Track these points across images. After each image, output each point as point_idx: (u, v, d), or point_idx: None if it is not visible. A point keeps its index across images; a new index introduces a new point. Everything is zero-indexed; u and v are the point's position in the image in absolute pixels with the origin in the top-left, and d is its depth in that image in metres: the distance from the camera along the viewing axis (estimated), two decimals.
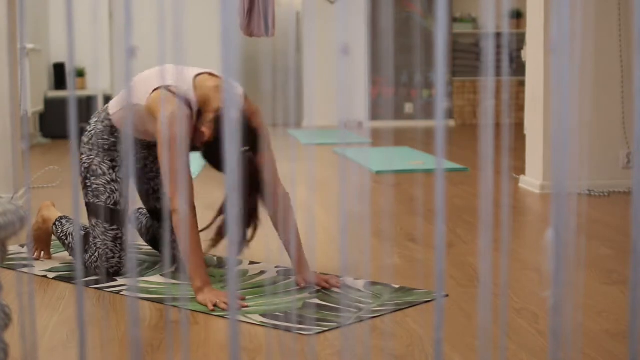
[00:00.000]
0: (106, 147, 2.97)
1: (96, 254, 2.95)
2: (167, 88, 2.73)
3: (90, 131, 3.01)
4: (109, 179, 2.94)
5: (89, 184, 2.96)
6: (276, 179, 2.82)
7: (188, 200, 2.70)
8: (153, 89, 2.79)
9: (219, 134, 2.64)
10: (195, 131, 2.74)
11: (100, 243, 2.94)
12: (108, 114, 2.97)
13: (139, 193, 3.16)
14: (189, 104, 2.72)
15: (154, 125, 2.79)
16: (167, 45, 1.35)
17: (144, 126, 2.87)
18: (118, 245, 2.95)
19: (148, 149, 3.09)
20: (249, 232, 2.72)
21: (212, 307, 2.54)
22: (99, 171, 2.95)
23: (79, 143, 3.05)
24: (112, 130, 2.97)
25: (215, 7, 9.90)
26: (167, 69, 2.88)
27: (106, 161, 2.96)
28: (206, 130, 2.70)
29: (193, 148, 2.77)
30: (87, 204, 2.97)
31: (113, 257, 2.94)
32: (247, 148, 2.61)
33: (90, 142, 2.99)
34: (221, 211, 2.71)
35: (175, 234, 2.76)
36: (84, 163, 2.97)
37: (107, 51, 8.96)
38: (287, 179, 3.92)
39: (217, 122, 2.67)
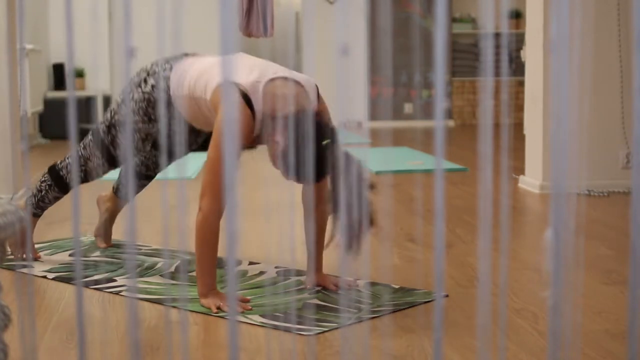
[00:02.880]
0: (150, 117, 2.91)
1: (67, 160, 3.13)
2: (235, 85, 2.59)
3: (145, 91, 2.88)
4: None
5: (111, 122, 2.99)
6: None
7: (220, 205, 2.58)
8: (217, 84, 2.67)
9: (293, 140, 2.51)
10: (250, 132, 2.62)
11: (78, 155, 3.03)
12: (169, 91, 2.83)
13: (154, 158, 3.16)
14: (251, 104, 2.59)
15: (214, 119, 2.70)
16: (166, 45, 1.36)
17: (204, 117, 2.78)
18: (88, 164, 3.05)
19: (195, 134, 3.05)
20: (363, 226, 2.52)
21: (216, 310, 2.52)
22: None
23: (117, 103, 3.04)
24: (169, 106, 2.85)
25: (214, 7, 9.90)
26: (238, 59, 2.72)
27: (140, 126, 2.93)
28: (280, 139, 2.55)
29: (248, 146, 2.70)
30: (94, 130, 3.03)
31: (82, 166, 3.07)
32: (329, 140, 2.50)
33: (138, 102, 2.89)
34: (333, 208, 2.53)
35: (196, 231, 2.61)
36: (133, 99, 2.90)
37: (106, 51, 8.96)
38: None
39: (289, 128, 2.53)
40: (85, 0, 8.62)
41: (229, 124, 1.28)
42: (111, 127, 3.00)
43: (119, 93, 3.00)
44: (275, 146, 2.56)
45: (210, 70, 2.72)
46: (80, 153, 3.08)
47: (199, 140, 3.08)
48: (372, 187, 2.50)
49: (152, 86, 2.87)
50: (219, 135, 2.55)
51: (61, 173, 3.15)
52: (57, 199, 3.20)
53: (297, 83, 2.66)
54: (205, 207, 2.55)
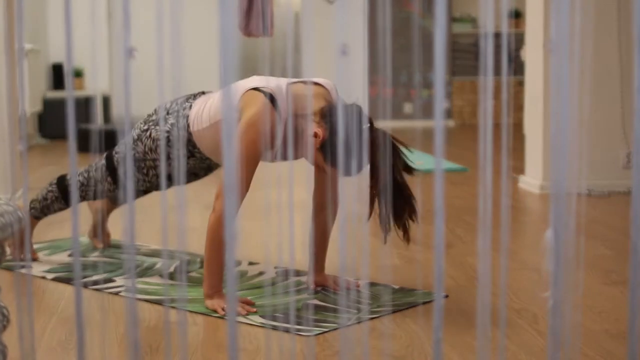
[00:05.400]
0: (169, 156, 2.88)
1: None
2: (257, 88, 2.62)
3: (164, 129, 2.83)
4: (144, 168, 2.89)
5: (134, 146, 2.90)
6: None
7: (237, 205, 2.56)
8: (242, 91, 2.65)
9: (332, 129, 2.53)
10: (274, 135, 2.63)
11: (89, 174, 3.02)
12: (188, 128, 2.80)
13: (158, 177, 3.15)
14: (275, 105, 2.59)
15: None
16: (165, 45, 1.36)
17: (219, 148, 2.75)
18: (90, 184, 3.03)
19: (208, 168, 3.03)
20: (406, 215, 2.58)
21: (222, 312, 2.51)
22: (148, 156, 2.88)
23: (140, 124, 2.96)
24: (189, 144, 2.82)
25: (213, 7, 9.89)
26: (252, 77, 2.73)
27: (158, 164, 2.88)
28: (319, 130, 2.55)
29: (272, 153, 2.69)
30: (108, 157, 3.00)
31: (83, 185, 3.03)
32: (369, 124, 2.53)
33: (156, 140, 2.86)
34: (373, 187, 2.55)
35: (207, 232, 2.60)
36: (150, 137, 2.87)
37: (105, 52, 8.95)
38: (286, 179, 3.93)
39: (326, 117, 2.56)
40: (84, 0, 8.62)
41: (227, 126, 1.28)
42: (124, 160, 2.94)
43: (136, 126, 2.94)
44: (314, 140, 2.56)
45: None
46: (90, 174, 3.02)
47: (209, 172, 3.07)
48: (409, 170, 2.55)
49: (172, 124, 2.83)
50: (240, 137, 2.54)
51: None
52: (61, 209, 3.19)
53: (317, 84, 2.70)
54: (219, 208, 2.53)
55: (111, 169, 2.98)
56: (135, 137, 2.91)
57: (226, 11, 1.27)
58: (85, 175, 3.03)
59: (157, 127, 2.85)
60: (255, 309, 2.55)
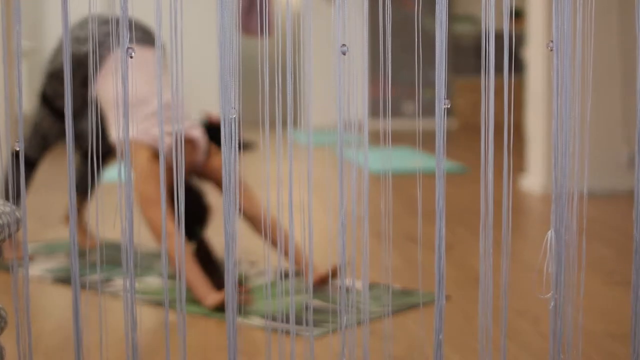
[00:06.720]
0: None
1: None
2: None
3: None
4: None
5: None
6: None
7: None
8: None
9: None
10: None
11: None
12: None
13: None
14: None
15: None
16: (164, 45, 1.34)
17: None
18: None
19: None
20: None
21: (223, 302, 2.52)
22: None
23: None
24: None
25: (212, 7, 9.89)
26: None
27: None
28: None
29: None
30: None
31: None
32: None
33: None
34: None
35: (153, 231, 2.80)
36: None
37: None
38: (285, 179, 3.91)
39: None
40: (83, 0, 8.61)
41: (226, 126, 1.26)
42: None
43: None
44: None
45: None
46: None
47: None
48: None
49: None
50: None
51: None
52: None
53: None
54: (143, 191, 2.74)
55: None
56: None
57: (225, 11, 1.25)
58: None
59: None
60: (250, 296, 2.57)
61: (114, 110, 2.82)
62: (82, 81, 2.95)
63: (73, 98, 2.81)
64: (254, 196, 2.90)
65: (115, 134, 2.83)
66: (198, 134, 2.89)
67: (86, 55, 2.91)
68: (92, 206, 3.46)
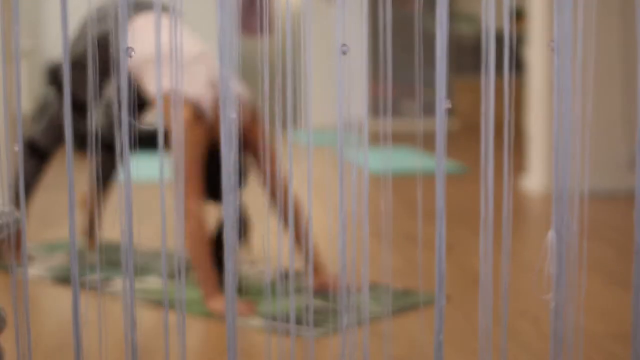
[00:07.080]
0: None
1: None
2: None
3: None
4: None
5: None
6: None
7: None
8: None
9: None
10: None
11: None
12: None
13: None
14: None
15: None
16: (164, 45, 1.35)
17: None
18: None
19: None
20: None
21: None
22: None
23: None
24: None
25: (212, 6, 9.89)
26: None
27: None
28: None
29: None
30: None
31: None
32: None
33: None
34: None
35: (189, 237, 2.60)
36: None
37: None
38: (285, 179, 3.91)
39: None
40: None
41: (226, 126, 1.26)
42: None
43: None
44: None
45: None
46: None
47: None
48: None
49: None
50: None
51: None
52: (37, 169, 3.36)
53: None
54: (194, 209, 2.59)
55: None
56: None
57: (225, 10, 1.25)
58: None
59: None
60: (254, 312, 2.53)
61: (152, 64, 2.67)
62: (107, 58, 2.83)
63: (101, 70, 2.79)
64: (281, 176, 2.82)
65: (154, 86, 2.65)
66: (241, 89, 2.68)
67: (109, 33, 2.80)
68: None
